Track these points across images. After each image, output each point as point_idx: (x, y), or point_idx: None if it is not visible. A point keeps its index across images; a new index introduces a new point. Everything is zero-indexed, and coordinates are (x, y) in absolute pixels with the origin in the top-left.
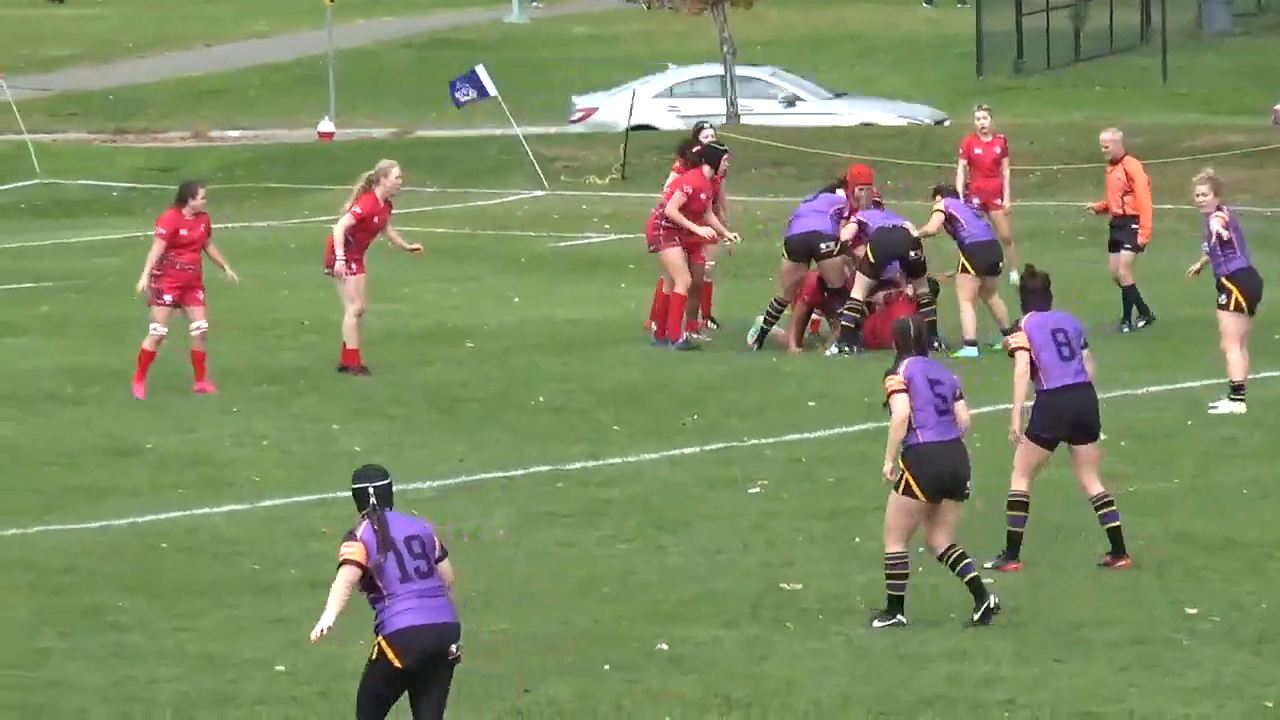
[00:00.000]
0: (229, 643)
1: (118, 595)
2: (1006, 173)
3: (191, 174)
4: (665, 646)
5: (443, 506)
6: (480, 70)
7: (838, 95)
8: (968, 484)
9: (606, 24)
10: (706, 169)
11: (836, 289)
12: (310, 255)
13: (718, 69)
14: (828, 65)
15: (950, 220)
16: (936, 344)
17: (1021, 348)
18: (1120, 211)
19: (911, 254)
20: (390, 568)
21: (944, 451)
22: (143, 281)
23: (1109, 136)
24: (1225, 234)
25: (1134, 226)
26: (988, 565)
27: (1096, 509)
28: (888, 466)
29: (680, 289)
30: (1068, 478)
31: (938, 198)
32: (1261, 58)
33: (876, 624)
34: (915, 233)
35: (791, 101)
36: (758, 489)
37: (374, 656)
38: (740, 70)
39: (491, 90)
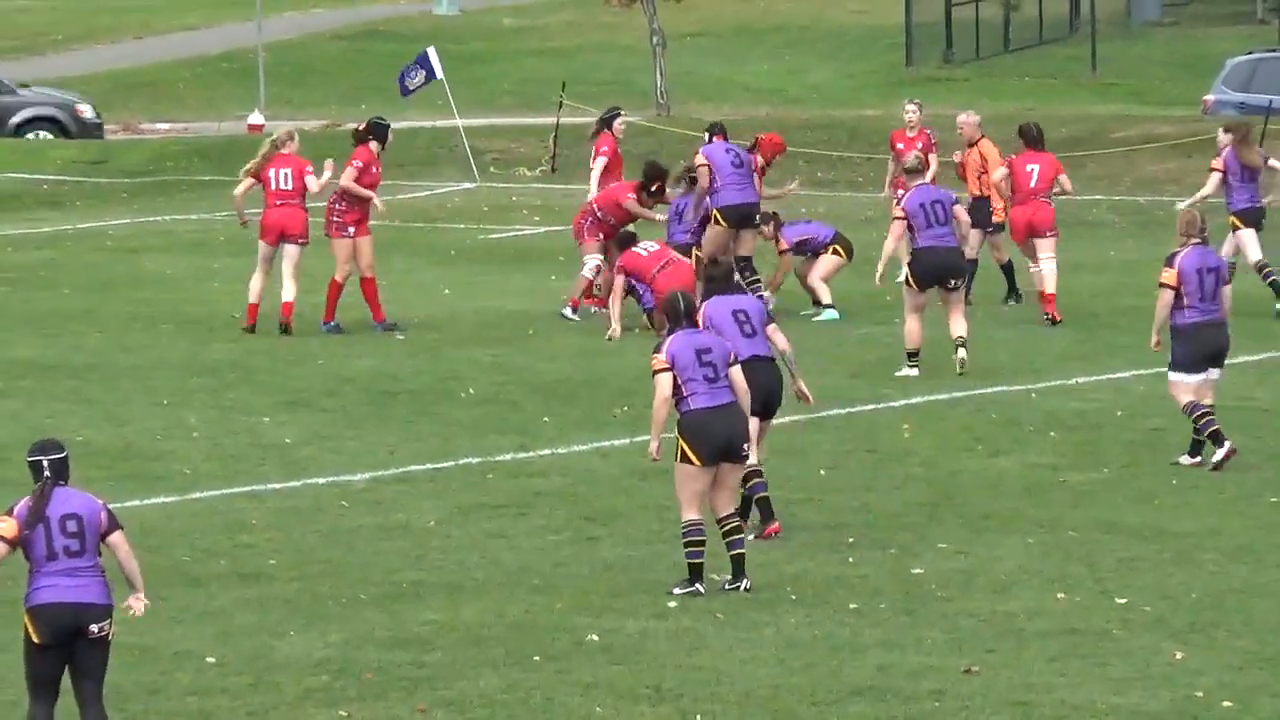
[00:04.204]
0: (160, 634)
1: None
2: (934, 166)
3: (122, 166)
4: (596, 637)
5: (373, 498)
6: (431, 52)
7: None
8: (744, 446)
9: (536, 15)
10: (374, 144)
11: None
12: (241, 248)
13: None
14: (757, 57)
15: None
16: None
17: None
18: (976, 192)
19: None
20: (38, 545)
21: (714, 417)
22: None
23: (964, 119)
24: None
25: (988, 207)
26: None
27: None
28: (653, 445)
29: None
30: (999, 466)
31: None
32: (1191, 47)
33: (676, 591)
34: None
35: None
36: None
37: (24, 632)
38: None
39: (439, 73)
